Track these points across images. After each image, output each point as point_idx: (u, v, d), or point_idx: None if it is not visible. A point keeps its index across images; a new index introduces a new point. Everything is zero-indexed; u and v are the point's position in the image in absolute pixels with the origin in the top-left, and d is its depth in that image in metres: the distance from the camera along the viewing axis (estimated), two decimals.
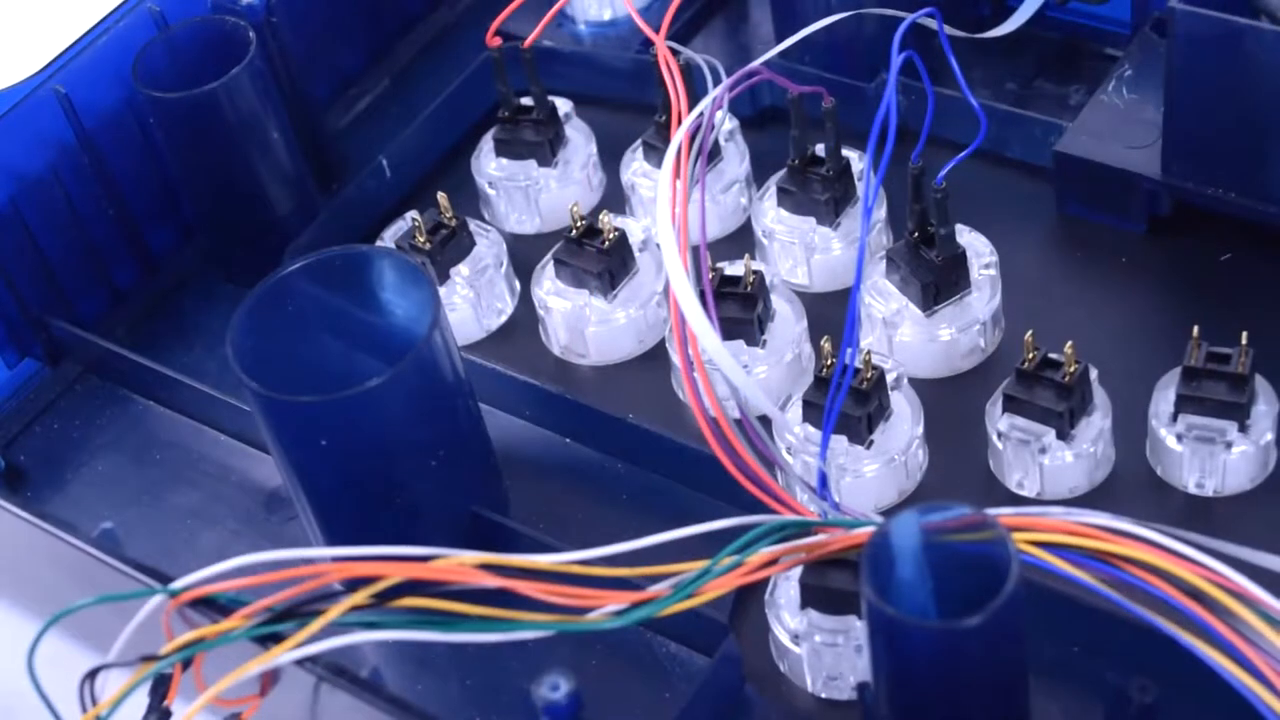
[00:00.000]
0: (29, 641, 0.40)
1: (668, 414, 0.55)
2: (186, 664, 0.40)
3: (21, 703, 0.41)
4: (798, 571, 0.46)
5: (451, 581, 0.40)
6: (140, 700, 0.40)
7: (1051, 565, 0.41)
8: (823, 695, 0.48)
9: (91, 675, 0.40)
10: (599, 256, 0.57)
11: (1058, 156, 0.58)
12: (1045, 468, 0.50)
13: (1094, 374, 0.51)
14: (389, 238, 0.60)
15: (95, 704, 0.40)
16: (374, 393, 0.45)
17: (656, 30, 0.58)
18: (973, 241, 0.56)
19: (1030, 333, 0.51)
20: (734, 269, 0.55)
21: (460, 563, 0.40)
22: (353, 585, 0.40)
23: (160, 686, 0.40)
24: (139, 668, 0.40)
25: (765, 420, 0.51)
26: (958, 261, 0.54)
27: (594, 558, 0.42)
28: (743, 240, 0.61)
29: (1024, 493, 0.52)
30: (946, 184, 0.53)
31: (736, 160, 0.61)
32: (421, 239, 0.58)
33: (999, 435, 0.51)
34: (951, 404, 0.54)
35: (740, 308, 0.54)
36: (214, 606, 0.41)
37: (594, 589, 0.41)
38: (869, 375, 0.50)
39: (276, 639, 0.39)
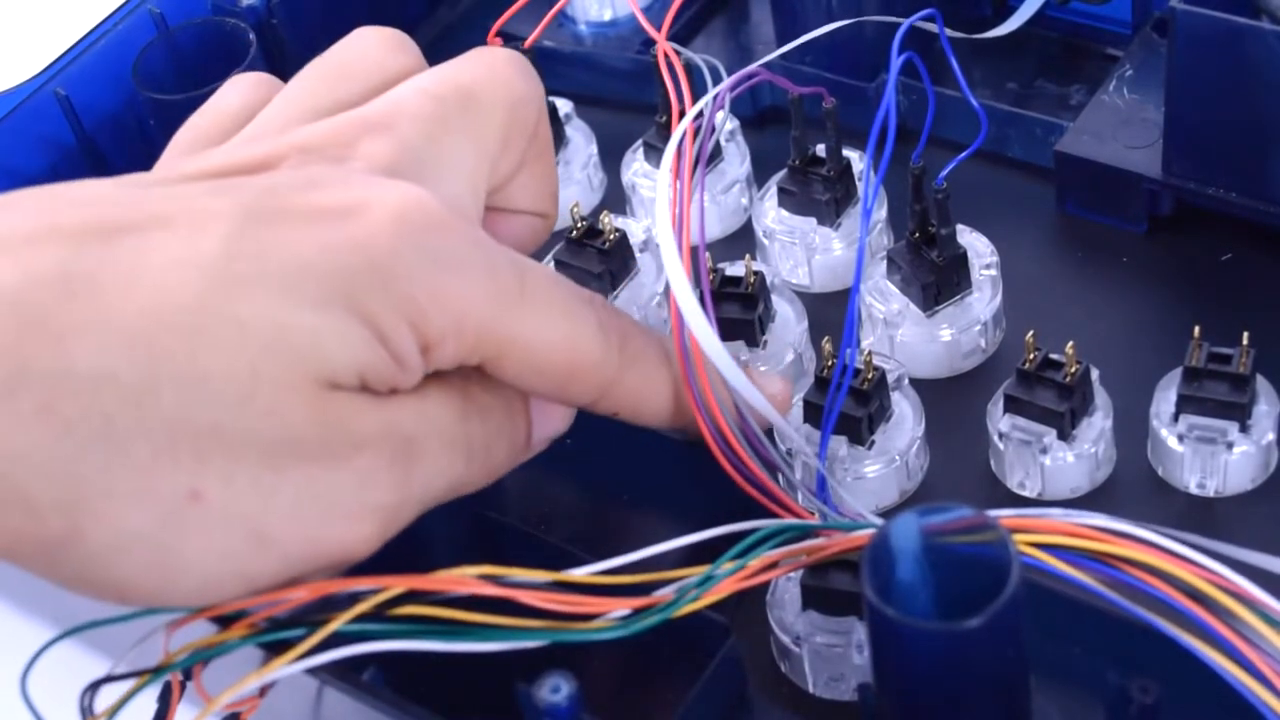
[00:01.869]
0: (35, 649, 0.40)
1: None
2: (187, 674, 0.40)
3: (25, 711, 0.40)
4: (799, 572, 0.46)
5: (454, 591, 0.40)
6: (137, 711, 0.40)
7: (1052, 567, 0.41)
8: (824, 696, 0.48)
9: (92, 688, 0.39)
10: (599, 257, 0.57)
11: (1058, 156, 0.58)
12: (1046, 468, 0.50)
13: (1095, 374, 0.51)
14: None
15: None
16: None
17: (657, 30, 0.58)
18: (973, 242, 0.56)
19: (1031, 333, 0.51)
20: (734, 269, 0.55)
21: (463, 573, 0.40)
22: (353, 593, 0.40)
23: (167, 695, 0.40)
24: (139, 679, 0.39)
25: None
26: (958, 262, 0.54)
27: (595, 570, 0.42)
28: (743, 241, 0.61)
29: (1025, 493, 0.52)
30: (947, 184, 0.53)
31: (737, 160, 0.61)
32: None
33: (1000, 436, 0.51)
34: (952, 404, 0.54)
35: (741, 308, 0.54)
36: (215, 616, 0.41)
37: (597, 596, 0.41)
38: (870, 376, 0.50)
39: (278, 646, 0.39)
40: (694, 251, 0.49)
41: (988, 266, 0.55)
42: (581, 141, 0.64)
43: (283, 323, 0.37)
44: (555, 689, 0.38)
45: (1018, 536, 0.40)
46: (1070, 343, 0.50)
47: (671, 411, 0.47)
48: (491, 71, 0.44)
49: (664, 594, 0.42)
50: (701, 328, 0.45)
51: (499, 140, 0.44)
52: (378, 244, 0.38)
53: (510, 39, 0.61)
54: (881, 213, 0.59)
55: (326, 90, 0.44)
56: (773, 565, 0.43)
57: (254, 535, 0.37)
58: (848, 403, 0.50)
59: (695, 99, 0.54)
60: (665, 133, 0.60)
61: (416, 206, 0.39)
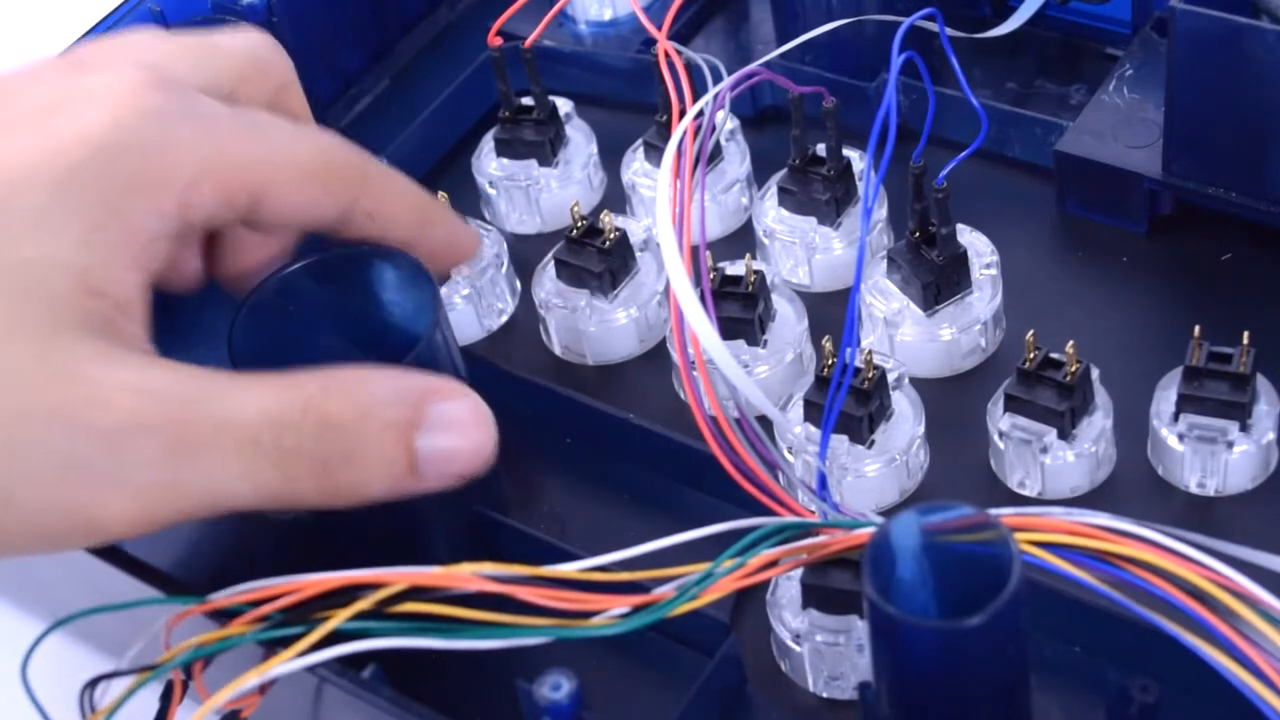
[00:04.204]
0: (30, 643, 0.40)
1: (668, 414, 0.55)
2: (188, 671, 0.40)
3: (25, 705, 0.40)
4: (799, 571, 0.46)
5: (454, 588, 0.40)
6: (138, 708, 0.40)
7: (1053, 565, 0.41)
8: (824, 695, 0.48)
9: (92, 684, 0.39)
10: (600, 256, 0.57)
11: (1059, 156, 0.58)
12: (1047, 467, 0.50)
13: (1095, 373, 0.51)
14: None
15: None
16: None
17: (658, 30, 0.58)
18: (974, 241, 0.56)
19: (1031, 332, 0.51)
20: (735, 269, 0.55)
21: (463, 570, 0.40)
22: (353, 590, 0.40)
23: (168, 693, 0.40)
24: (138, 676, 0.39)
25: (767, 421, 0.51)
26: (959, 261, 0.54)
27: (595, 565, 0.42)
28: (744, 240, 0.61)
29: (1025, 492, 0.52)
30: (947, 183, 0.53)
31: (737, 160, 0.61)
32: None
33: (1000, 435, 0.51)
34: (953, 404, 0.54)
35: (741, 307, 0.54)
36: (215, 612, 0.41)
37: (597, 594, 0.41)
38: (870, 375, 0.50)
39: (278, 643, 0.39)
40: (694, 251, 0.49)
41: (988, 266, 0.55)
42: (581, 141, 0.64)
43: (9, 257, 0.37)
44: (556, 687, 0.38)
45: (1018, 535, 0.40)
46: (1070, 342, 0.50)
47: (422, 205, 0.47)
48: (235, 32, 0.47)
49: (664, 591, 0.42)
50: (702, 327, 0.45)
51: (232, 77, 0.45)
52: (100, 126, 0.39)
53: (510, 38, 0.62)
54: (882, 212, 0.59)
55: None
56: (773, 563, 0.43)
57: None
58: (848, 402, 0.50)
59: (695, 98, 0.55)
60: (665, 132, 0.60)
61: (133, 79, 0.40)
